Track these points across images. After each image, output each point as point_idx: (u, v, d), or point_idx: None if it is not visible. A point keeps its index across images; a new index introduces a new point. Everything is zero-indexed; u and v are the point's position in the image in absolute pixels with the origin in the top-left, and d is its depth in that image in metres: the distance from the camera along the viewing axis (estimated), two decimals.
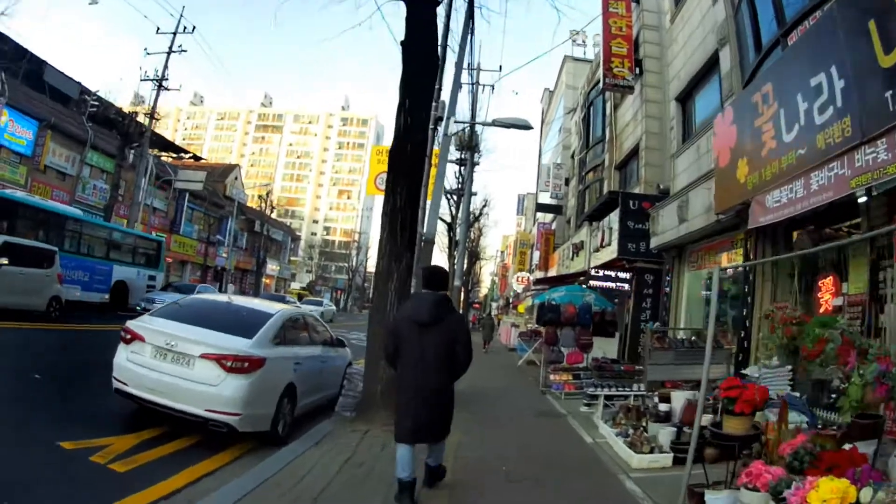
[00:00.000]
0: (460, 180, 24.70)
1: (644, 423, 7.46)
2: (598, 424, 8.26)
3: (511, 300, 53.63)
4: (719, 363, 9.05)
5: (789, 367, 8.58)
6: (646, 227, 14.50)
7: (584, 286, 15.19)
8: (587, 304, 12.39)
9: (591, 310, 12.24)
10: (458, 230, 23.89)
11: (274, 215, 58.93)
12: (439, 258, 26.46)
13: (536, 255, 31.90)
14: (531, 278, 28.79)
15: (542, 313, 12.78)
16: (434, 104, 11.05)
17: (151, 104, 27.68)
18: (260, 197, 53.44)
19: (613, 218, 16.21)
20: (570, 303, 12.26)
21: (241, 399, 5.68)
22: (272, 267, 58.87)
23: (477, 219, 29.27)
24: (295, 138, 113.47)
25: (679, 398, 7.32)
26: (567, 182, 28.99)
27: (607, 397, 8.65)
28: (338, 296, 79.65)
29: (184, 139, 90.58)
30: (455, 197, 26.46)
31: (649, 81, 16.79)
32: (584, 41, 37.51)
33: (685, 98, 13.79)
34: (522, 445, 7.23)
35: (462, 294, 45.58)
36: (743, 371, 8.83)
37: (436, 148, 11.02)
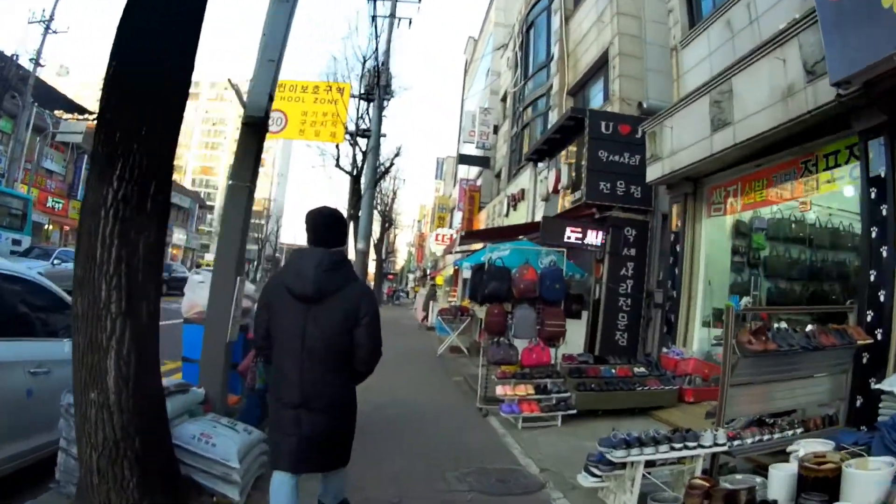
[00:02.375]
0: (367, 121, 19.38)
1: None
2: None
3: (429, 271, 49.02)
4: (838, 369, 4.68)
5: None
6: (623, 160, 10.22)
7: (534, 243, 10.47)
8: (554, 267, 7.66)
9: (562, 276, 7.49)
10: (363, 181, 18.69)
11: (188, 183, 53.03)
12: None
13: (458, 217, 27.17)
14: (455, 236, 23.58)
15: (480, 283, 7.83)
16: None
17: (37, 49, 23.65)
18: None
19: (574, 151, 11.74)
20: (527, 264, 7.48)
21: None
22: (179, 236, 53.31)
23: (387, 171, 23.77)
24: (211, 105, 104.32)
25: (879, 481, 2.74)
26: (496, 130, 24.32)
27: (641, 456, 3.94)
28: (247, 266, 73.37)
29: None
30: (357, 141, 20.88)
31: None
32: None
33: None
34: None
35: (375, 263, 40.24)
36: (877, 385, 4.54)
37: None
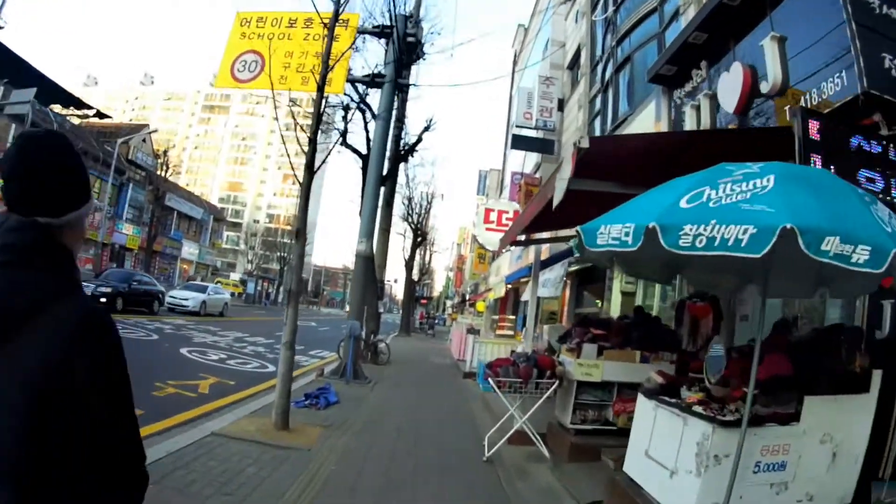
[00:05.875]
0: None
1: None
2: None
3: (468, 296, 42.82)
4: None
5: None
6: None
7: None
8: None
9: None
10: (373, 154, 12.88)
11: (215, 199, 48.38)
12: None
13: (508, 224, 21.10)
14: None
15: None
16: None
17: None
18: (156, 156, 41.61)
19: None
20: None
21: None
22: (190, 250, 48.73)
23: (413, 147, 17.57)
24: (241, 119, 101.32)
25: None
26: (561, 106, 18.37)
27: None
28: (265, 285, 68.41)
29: (131, 120, 79.96)
30: (367, 102, 14.79)
31: None
32: None
33: None
34: None
35: (404, 283, 34.22)
36: None
37: None
